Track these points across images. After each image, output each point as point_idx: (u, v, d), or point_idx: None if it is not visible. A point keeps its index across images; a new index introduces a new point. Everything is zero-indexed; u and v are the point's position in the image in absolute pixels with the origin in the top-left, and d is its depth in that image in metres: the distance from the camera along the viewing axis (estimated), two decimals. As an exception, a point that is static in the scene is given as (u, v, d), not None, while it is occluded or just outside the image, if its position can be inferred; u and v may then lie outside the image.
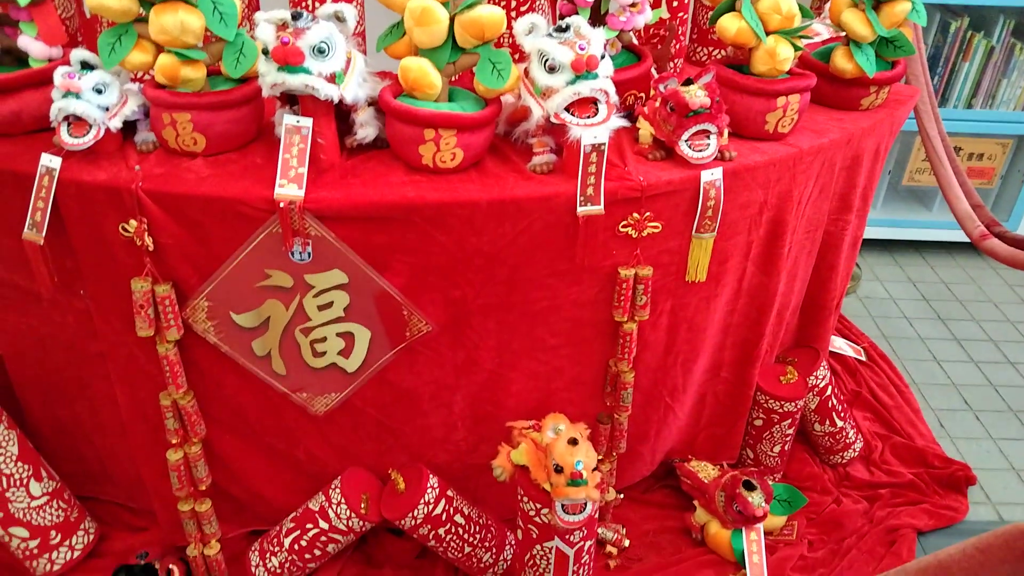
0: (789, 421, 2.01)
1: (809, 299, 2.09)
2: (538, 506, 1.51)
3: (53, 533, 1.75)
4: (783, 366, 2.04)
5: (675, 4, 1.88)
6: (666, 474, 2.11)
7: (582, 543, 1.55)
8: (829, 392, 2.13)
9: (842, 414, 2.16)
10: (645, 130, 1.60)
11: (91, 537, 1.83)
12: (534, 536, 1.55)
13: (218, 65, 1.47)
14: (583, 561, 1.58)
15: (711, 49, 2.12)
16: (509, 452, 1.57)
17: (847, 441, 2.18)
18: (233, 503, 1.78)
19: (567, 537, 1.52)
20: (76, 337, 1.64)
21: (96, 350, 1.63)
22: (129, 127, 1.50)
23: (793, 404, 1.97)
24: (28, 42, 1.50)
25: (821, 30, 2.03)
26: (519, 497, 1.56)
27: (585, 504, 1.48)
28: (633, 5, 1.64)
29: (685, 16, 1.95)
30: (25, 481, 1.71)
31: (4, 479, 1.67)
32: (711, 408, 2.01)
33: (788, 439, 2.05)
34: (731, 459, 2.09)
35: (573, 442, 1.45)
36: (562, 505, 1.46)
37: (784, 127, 1.67)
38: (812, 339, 2.15)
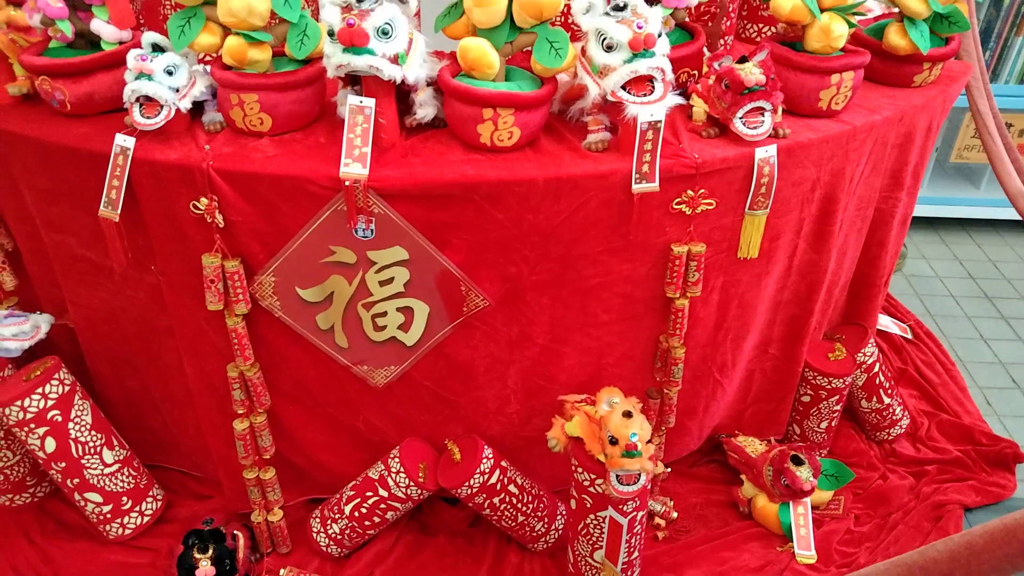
0: (837, 397, 2.02)
1: (858, 276, 2.09)
2: (593, 477, 1.55)
3: (124, 499, 1.83)
4: (831, 343, 2.06)
5: (726, -19, 1.88)
6: (712, 449, 2.14)
7: (635, 513, 1.59)
8: (877, 369, 2.14)
9: (889, 391, 2.17)
10: (699, 107, 1.61)
11: (159, 503, 1.91)
12: (588, 506, 1.59)
13: (281, 46, 1.51)
14: (635, 531, 1.62)
15: (761, 26, 2.11)
16: (563, 424, 1.61)
17: (894, 418, 2.19)
18: (294, 471, 1.85)
19: (620, 507, 1.56)
20: (146, 311, 1.71)
21: (165, 324, 1.70)
22: (196, 107, 1.55)
23: (841, 381, 1.99)
24: (100, 25, 1.55)
25: (874, 6, 2.01)
26: (573, 468, 1.60)
27: (639, 475, 1.52)
28: (688, -17, 1.65)
29: (736, -7, 1.95)
30: (98, 449, 1.79)
31: (80, 447, 1.75)
32: (759, 384, 2.03)
33: (835, 415, 2.07)
34: (778, 435, 2.12)
35: (628, 415, 1.49)
36: (616, 476, 1.50)
37: (837, 104, 1.68)
38: (860, 316, 2.16)
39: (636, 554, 1.68)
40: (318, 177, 1.44)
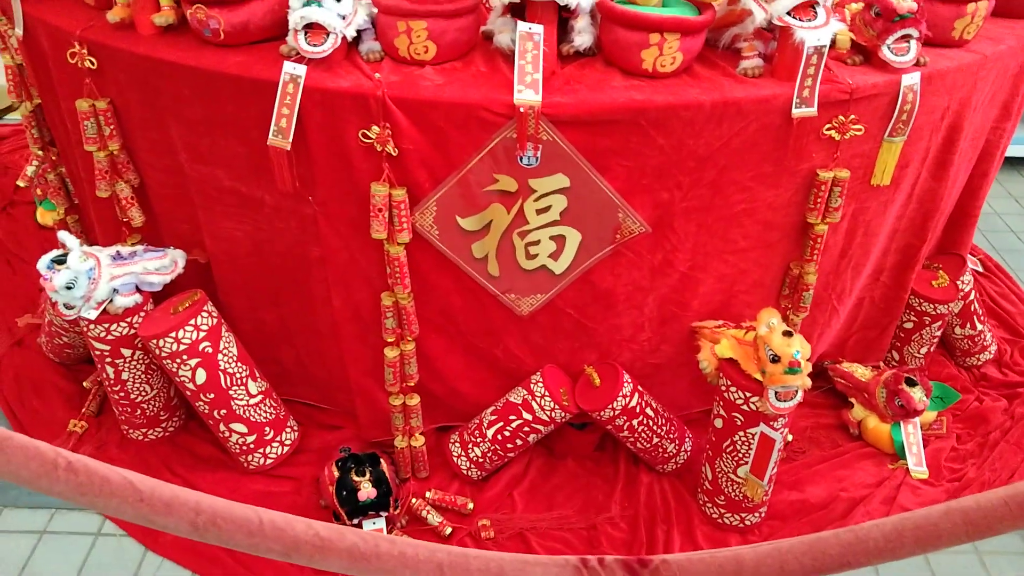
0: (939, 323, 2.10)
1: (957, 206, 2.15)
2: (747, 395, 1.61)
3: (267, 429, 1.87)
4: (932, 271, 2.13)
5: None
6: (815, 376, 2.21)
7: (783, 429, 1.66)
8: (972, 296, 2.21)
9: (982, 318, 2.25)
10: (844, 35, 1.64)
11: (296, 434, 1.95)
12: (738, 423, 1.66)
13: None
14: (780, 447, 1.70)
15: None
16: (712, 347, 1.67)
17: (984, 344, 2.28)
18: (429, 399, 1.89)
19: (772, 423, 1.63)
20: (295, 243, 1.72)
21: (315, 255, 1.72)
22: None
23: (945, 307, 2.06)
24: (249, -47, 1.54)
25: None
26: (724, 388, 1.66)
27: (796, 392, 1.58)
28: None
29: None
30: (244, 380, 1.82)
31: (228, 378, 1.78)
32: (867, 311, 2.10)
33: (935, 341, 2.15)
34: (878, 360, 2.20)
35: (788, 334, 1.55)
36: (775, 392, 1.57)
37: (968, 34, 1.72)
38: (955, 246, 2.22)
39: (776, 470, 1.75)
40: (492, 104, 1.46)
